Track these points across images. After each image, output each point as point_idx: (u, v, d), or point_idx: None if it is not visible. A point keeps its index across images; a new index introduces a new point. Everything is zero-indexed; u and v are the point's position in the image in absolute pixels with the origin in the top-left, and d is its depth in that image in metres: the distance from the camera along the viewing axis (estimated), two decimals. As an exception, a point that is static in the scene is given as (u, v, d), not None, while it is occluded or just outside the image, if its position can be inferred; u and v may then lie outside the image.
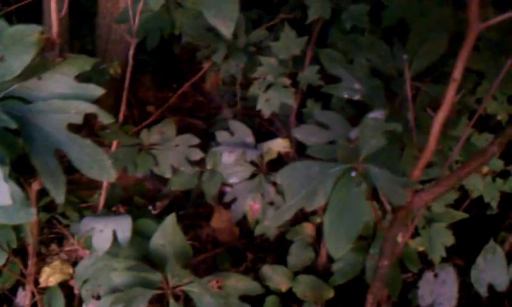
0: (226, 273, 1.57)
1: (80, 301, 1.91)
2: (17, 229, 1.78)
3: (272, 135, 1.92)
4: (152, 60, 2.76)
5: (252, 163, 1.84)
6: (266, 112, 1.59)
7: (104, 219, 1.66)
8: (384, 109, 1.25)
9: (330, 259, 1.69)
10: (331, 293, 1.60)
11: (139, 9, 1.59)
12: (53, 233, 2.09)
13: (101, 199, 1.87)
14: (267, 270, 1.64)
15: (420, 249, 1.63)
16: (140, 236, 1.66)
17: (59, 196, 1.17)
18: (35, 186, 1.62)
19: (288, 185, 1.00)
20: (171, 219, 1.57)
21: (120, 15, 2.02)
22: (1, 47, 1.12)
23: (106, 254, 1.63)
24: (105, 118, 1.20)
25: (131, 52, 1.64)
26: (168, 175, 1.82)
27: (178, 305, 1.53)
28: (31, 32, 1.10)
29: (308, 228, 1.73)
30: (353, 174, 0.98)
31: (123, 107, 1.73)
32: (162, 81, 2.98)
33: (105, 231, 1.62)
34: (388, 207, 1.20)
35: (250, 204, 1.78)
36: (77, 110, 1.18)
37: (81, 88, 1.23)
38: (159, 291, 1.56)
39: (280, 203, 1.77)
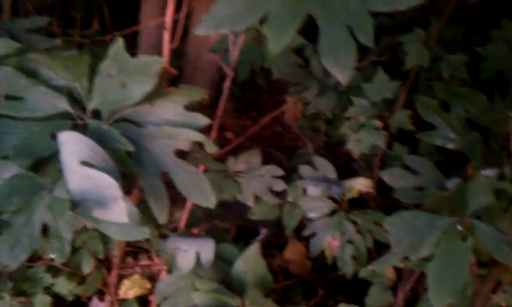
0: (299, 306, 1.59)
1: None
2: (105, 240, 1.88)
3: (353, 174, 1.95)
4: (237, 90, 2.85)
5: (333, 200, 1.86)
6: (356, 152, 1.61)
7: (188, 240, 1.72)
8: (481, 162, 1.26)
9: (408, 304, 1.69)
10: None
11: (240, 42, 1.67)
12: (132, 247, 2.18)
13: (182, 219, 1.94)
14: (342, 308, 1.65)
15: (503, 305, 1.59)
16: (221, 260, 1.72)
17: (162, 216, 1.24)
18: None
19: (394, 232, 1.02)
20: (255, 247, 1.61)
21: (215, 45, 2.10)
22: (125, 74, 1.20)
23: (188, 275, 1.70)
24: (210, 148, 1.27)
25: (227, 84, 1.72)
26: (251, 203, 1.88)
27: (255, 333, 1.56)
28: (154, 63, 1.18)
29: (388, 271, 1.73)
30: (459, 228, 1.00)
31: (213, 134, 1.80)
32: (242, 109, 3.06)
33: (189, 252, 1.68)
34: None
35: (329, 241, 1.80)
36: (186, 138, 1.25)
37: (189, 117, 1.31)
38: (239, 317, 1.60)
39: (359, 242, 1.79)
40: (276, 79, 2.40)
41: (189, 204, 1.92)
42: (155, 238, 2.00)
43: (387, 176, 1.55)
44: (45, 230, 1.22)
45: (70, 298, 1.99)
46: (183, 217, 1.94)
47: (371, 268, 1.59)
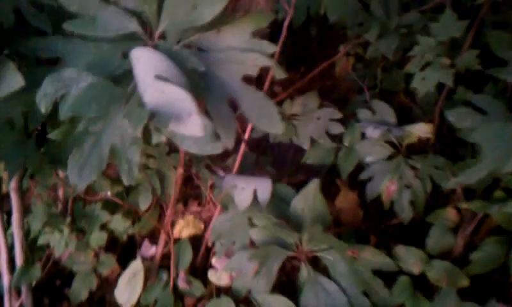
0: (361, 245, 1.57)
1: (207, 256, 2.01)
2: (161, 178, 1.90)
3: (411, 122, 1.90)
4: (288, 40, 2.79)
5: (391, 144, 1.83)
6: (421, 91, 1.57)
7: (245, 178, 1.72)
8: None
9: (468, 248, 1.65)
10: (466, 282, 1.56)
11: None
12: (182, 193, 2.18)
13: (235, 165, 1.94)
14: (400, 250, 1.63)
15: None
16: (277, 199, 1.71)
17: (229, 140, 1.23)
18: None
19: (482, 144, 0.98)
20: (314, 185, 1.60)
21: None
22: (195, -5, 1.19)
23: (244, 212, 1.70)
24: (279, 73, 1.25)
25: (286, 23, 1.68)
26: (306, 147, 1.86)
27: (310, 269, 1.56)
28: (225, -17, 1.16)
29: (450, 213, 1.70)
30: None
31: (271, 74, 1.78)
32: (291, 63, 3.02)
33: (247, 190, 1.68)
34: None
35: (386, 185, 1.77)
36: (255, 63, 1.24)
37: (256, 44, 1.29)
38: (294, 254, 1.60)
39: (418, 188, 1.75)
40: (329, 28, 2.36)
41: (241, 150, 1.92)
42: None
43: (453, 116, 1.50)
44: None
45: (124, 237, 2.02)
46: (235, 163, 1.95)
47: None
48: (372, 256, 1.55)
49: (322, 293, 1.51)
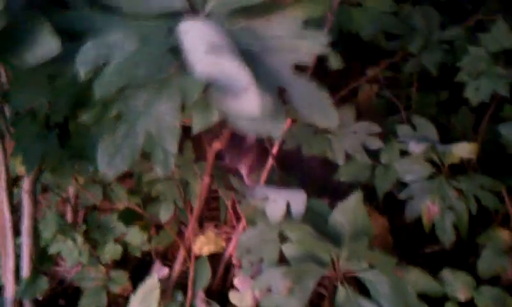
0: (406, 266, 1.43)
1: (226, 275, 1.87)
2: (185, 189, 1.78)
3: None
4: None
5: (432, 163, 1.71)
6: (474, 100, 1.47)
7: (277, 190, 1.60)
8: None
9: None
10: (519, 314, 1.43)
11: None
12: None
13: (261, 179, 1.82)
14: (447, 274, 1.49)
15: None
16: (313, 215, 1.58)
17: (277, 132, 1.11)
18: (216, 146, 1.60)
19: None
20: (356, 197, 1.47)
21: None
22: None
23: (275, 227, 1.57)
24: (335, 63, 1.14)
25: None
26: (341, 162, 1.75)
27: (349, 290, 1.42)
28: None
29: (504, 234, 1.57)
30: None
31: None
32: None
33: (279, 202, 1.56)
34: None
35: (427, 206, 1.65)
36: (309, 51, 1.14)
37: (309, 34, 1.19)
38: (331, 272, 1.46)
39: (461, 209, 1.63)
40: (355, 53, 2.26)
41: (268, 165, 1.81)
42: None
43: (506, 129, 1.40)
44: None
45: (138, 253, 1.88)
46: (261, 177, 1.83)
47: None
48: (417, 279, 1.42)
49: (364, 315, 1.37)
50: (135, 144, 1.10)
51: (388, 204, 1.88)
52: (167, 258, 2.05)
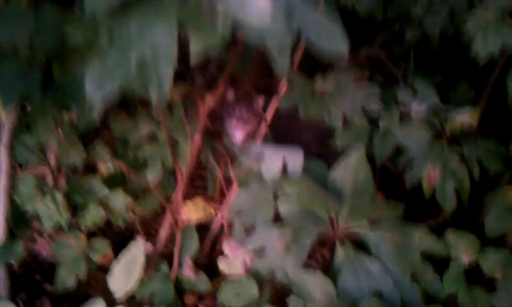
0: (410, 225, 1.36)
1: (213, 247, 1.76)
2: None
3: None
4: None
5: (432, 127, 1.65)
6: (483, 53, 1.40)
7: (273, 148, 1.52)
8: None
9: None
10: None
11: None
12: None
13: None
14: (451, 235, 1.41)
15: None
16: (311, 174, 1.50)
17: (282, 64, 1.03)
18: (210, 101, 1.52)
19: None
20: (358, 153, 1.39)
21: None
22: None
23: (269, 187, 1.48)
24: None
25: None
26: (339, 124, 1.66)
27: (350, 247, 1.33)
28: None
29: (511, 192, 1.50)
30: None
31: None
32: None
33: (275, 160, 1.47)
34: None
35: (428, 172, 1.58)
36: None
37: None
38: (329, 230, 1.37)
39: (463, 175, 1.56)
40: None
41: (262, 132, 1.72)
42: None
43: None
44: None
45: (121, 221, 1.76)
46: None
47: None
48: (421, 238, 1.34)
49: (364, 274, 1.28)
50: (127, 65, 1.01)
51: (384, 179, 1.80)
52: (151, 234, 1.93)
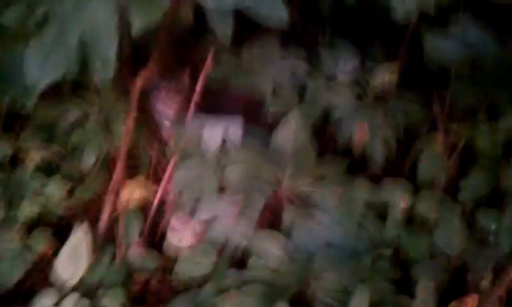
0: (349, 177, 1.45)
1: (156, 222, 1.76)
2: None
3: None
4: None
5: (357, 85, 1.74)
6: (400, 11, 1.49)
7: (214, 117, 1.54)
8: None
9: (460, 174, 1.58)
10: (458, 210, 1.49)
11: None
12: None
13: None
14: (387, 183, 1.52)
15: None
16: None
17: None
18: (142, 77, 1.51)
19: None
20: (295, 114, 1.45)
21: None
22: None
23: (211, 159, 1.52)
24: None
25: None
26: (269, 91, 1.71)
27: (299, 205, 1.40)
28: None
29: (438, 138, 1.62)
30: None
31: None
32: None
33: (217, 128, 1.50)
34: None
35: (358, 126, 1.67)
36: None
37: None
38: (276, 191, 1.44)
39: (388, 128, 1.67)
40: None
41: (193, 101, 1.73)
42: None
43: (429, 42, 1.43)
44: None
45: (59, 210, 1.72)
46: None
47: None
48: (361, 189, 1.43)
49: (316, 227, 1.36)
50: (69, 46, 1.00)
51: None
52: (92, 219, 1.89)
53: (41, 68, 0.99)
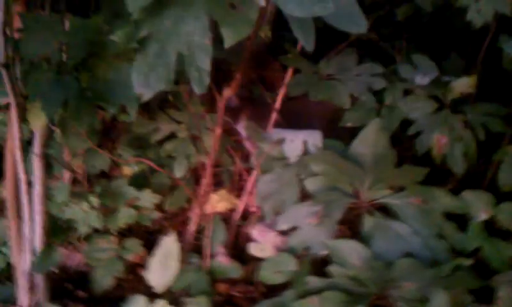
0: (429, 187, 1.46)
1: (239, 233, 1.84)
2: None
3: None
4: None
5: (434, 98, 1.75)
6: (477, 23, 1.51)
7: (293, 131, 1.61)
8: None
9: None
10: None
11: None
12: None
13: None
14: (468, 195, 1.52)
15: None
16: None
17: (309, 44, 1.12)
18: (227, 93, 1.60)
19: None
20: (374, 124, 1.49)
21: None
22: None
23: (293, 168, 1.58)
24: None
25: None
26: (347, 105, 1.76)
27: (378, 215, 1.43)
28: None
29: None
30: None
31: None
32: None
33: (297, 141, 1.57)
34: None
35: (436, 138, 1.69)
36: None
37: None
38: (355, 202, 1.48)
39: (469, 139, 1.68)
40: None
41: (272, 119, 1.81)
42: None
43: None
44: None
45: (148, 222, 1.83)
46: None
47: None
48: (441, 198, 1.44)
49: (394, 237, 1.39)
50: (168, 63, 1.10)
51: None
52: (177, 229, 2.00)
53: (145, 80, 1.09)
